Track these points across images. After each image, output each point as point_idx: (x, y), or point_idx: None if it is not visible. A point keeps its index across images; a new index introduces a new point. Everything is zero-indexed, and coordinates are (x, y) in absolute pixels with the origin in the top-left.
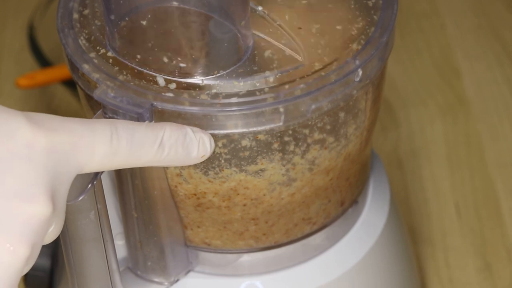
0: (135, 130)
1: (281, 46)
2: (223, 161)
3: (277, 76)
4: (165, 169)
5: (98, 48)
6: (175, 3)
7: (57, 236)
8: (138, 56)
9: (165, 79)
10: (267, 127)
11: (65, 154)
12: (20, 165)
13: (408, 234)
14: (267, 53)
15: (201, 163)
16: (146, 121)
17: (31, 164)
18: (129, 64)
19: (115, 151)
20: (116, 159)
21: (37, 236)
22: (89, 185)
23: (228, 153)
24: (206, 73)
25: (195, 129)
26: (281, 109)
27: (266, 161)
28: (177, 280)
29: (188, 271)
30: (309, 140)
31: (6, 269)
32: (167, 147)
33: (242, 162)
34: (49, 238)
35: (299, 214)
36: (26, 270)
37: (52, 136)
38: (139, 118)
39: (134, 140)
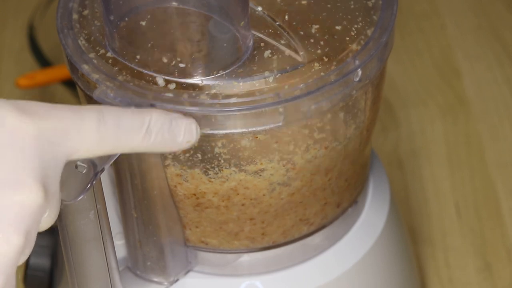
0: (122, 116)
1: (280, 46)
2: (222, 161)
3: (277, 76)
4: (164, 169)
5: (97, 48)
6: (174, 4)
7: (52, 223)
8: (138, 57)
9: (165, 80)
10: (267, 127)
11: (53, 140)
12: (9, 154)
13: (408, 234)
14: (267, 53)
15: (200, 162)
16: (132, 107)
17: (20, 152)
18: (128, 64)
19: (103, 136)
20: (104, 145)
21: (30, 224)
22: (89, 185)
23: (228, 153)
24: (205, 73)
25: (181, 115)
26: (281, 109)
27: (265, 161)
28: (177, 280)
29: (188, 271)
30: (309, 140)
31: (0, 259)
32: (154, 132)
33: (241, 162)
34: (44, 226)
35: (296, 215)
36: (22, 259)
37: (41, 123)
38: None
39: (121, 125)
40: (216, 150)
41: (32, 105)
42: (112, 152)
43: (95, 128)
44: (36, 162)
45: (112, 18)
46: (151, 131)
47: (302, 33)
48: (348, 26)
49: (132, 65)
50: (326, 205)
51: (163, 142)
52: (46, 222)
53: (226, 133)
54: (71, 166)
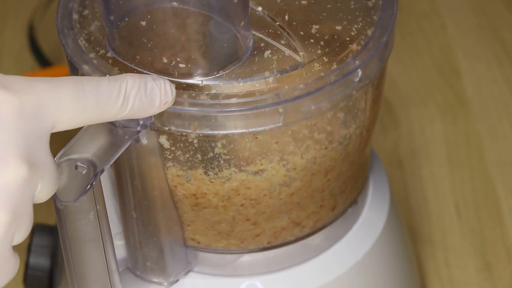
0: (99, 85)
1: (280, 46)
2: (222, 161)
3: (277, 77)
4: (165, 170)
5: (97, 48)
6: (174, 4)
7: (51, 194)
8: (138, 57)
9: None
10: (267, 127)
11: (34, 113)
12: None
13: (408, 234)
14: (267, 54)
15: (200, 163)
16: (107, 75)
17: (0, 128)
18: (128, 64)
19: (83, 106)
20: (86, 114)
21: (17, 199)
22: (88, 186)
23: (228, 154)
24: (205, 74)
25: (155, 76)
26: (281, 110)
27: (265, 161)
28: (177, 281)
29: (188, 272)
30: (309, 141)
31: None
32: (131, 97)
33: (241, 163)
34: (42, 198)
35: (290, 217)
36: (19, 238)
37: (20, 97)
38: (138, 119)
39: (100, 93)
40: (216, 150)
41: (13, 80)
42: (96, 121)
43: (75, 97)
44: (18, 137)
45: (112, 18)
46: (129, 96)
47: (302, 33)
48: (348, 26)
49: (132, 65)
50: (321, 207)
51: (142, 106)
52: (43, 194)
53: (226, 134)
54: (71, 167)
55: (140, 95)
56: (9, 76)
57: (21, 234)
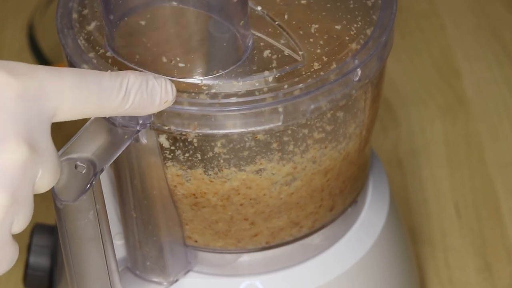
0: (102, 78)
1: (280, 45)
2: (222, 161)
3: (276, 76)
4: (165, 169)
5: (97, 48)
6: (174, 3)
7: (53, 184)
8: (137, 56)
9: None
10: (266, 127)
11: (35, 97)
12: None
13: (408, 234)
14: (266, 53)
15: (200, 162)
16: (109, 70)
17: (3, 110)
18: (128, 64)
19: (85, 97)
20: (87, 106)
21: (16, 181)
22: (88, 186)
23: (227, 153)
24: (205, 73)
25: (157, 75)
26: (280, 109)
27: (265, 160)
28: (176, 280)
29: (187, 271)
30: (309, 140)
31: None
32: (132, 93)
33: (241, 162)
34: (43, 186)
35: (288, 217)
36: (19, 226)
37: (25, 82)
38: (138, 119)
39: (102, 86)
40: (216, 150)
41: (16, 65)
42: (96, 114)
43: (77, 87)
44: (19, 119)
45: (111, 17)
46: (130, 92)
47: (301, 32)
48: (348, 26)
49: (132, 65)
50: (321, 207)
51: (142, 102)
52: (44, 182)
53: (226, 133)
54: (70, 166)
55: (141, 92)
56: (13, 62)
57: (21, 221)
